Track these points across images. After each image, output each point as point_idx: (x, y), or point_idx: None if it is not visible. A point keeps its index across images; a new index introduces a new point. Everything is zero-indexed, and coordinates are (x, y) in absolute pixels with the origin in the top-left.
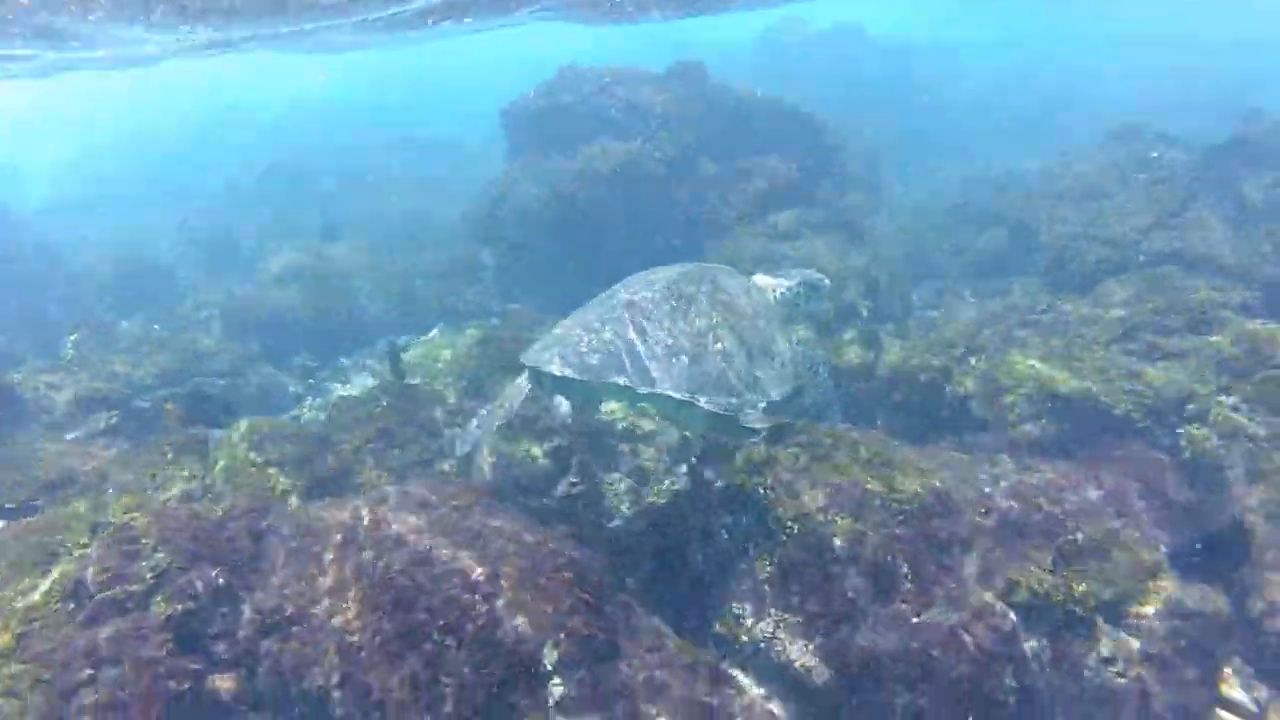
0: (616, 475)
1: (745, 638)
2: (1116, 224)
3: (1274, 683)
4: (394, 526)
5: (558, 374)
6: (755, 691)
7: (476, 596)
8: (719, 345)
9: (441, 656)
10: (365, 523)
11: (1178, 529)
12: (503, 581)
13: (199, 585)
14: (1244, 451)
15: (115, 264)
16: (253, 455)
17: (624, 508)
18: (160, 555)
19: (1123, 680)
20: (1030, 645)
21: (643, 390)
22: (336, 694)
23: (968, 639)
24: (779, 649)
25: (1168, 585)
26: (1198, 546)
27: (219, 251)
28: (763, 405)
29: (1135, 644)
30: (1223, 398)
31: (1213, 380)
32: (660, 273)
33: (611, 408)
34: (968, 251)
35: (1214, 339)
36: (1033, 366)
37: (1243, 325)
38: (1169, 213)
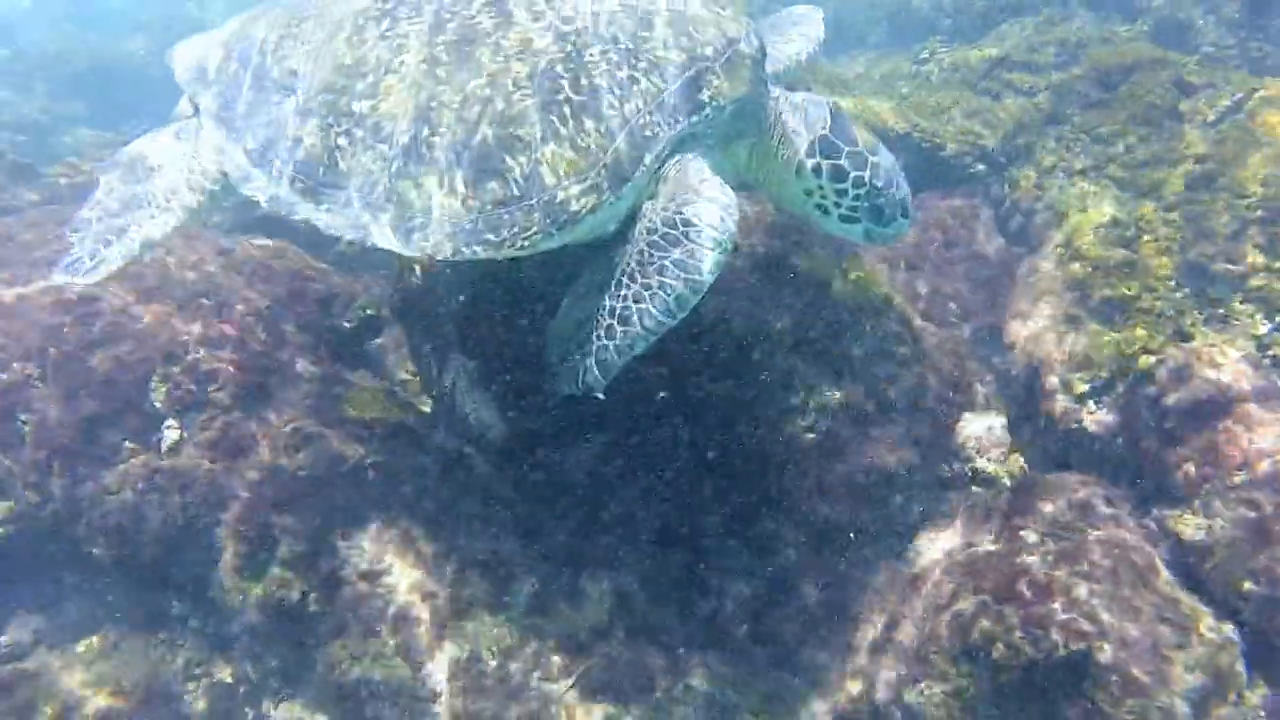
0: None
1: None
2: None
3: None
4: None
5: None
6: None
7: None
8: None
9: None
10: None
11: (969, 280)
12: None
13: None
14: (1059, 188)
15: None
16: None
17: None
18: None
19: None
20: None
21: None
22: None
23: None
24: None
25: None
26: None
27: None
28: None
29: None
30: (1050, 129)
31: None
32: None
33: None
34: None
35: (1074, 70)
36: (869, 105)
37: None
38: None
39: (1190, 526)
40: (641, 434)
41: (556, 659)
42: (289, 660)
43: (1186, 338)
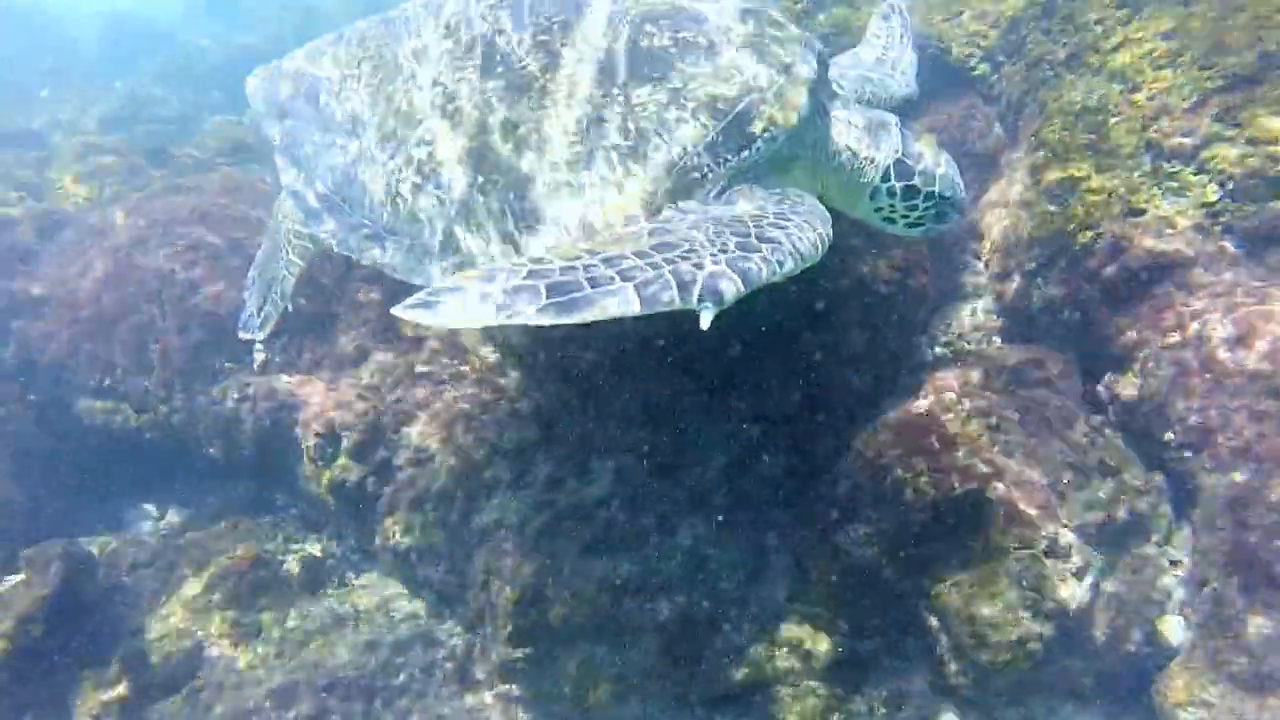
0: None
1: None
2: None
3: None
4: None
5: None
6: None
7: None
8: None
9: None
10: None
11: None
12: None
13: None
14: (1042, 80)
15: None
16: None
17: None
18: None
19: None
20: None
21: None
22: (70, 361)
23: None
24: None
25: None
26: None
27: None
28: None
29: None
30: (1042, 22)
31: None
32: None
33: None
34: None
35: None
36: None
37: None
38: None
39: (1129, 387)
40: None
41: (566, 524)
42: (362, 538)
43: (1138, 213)
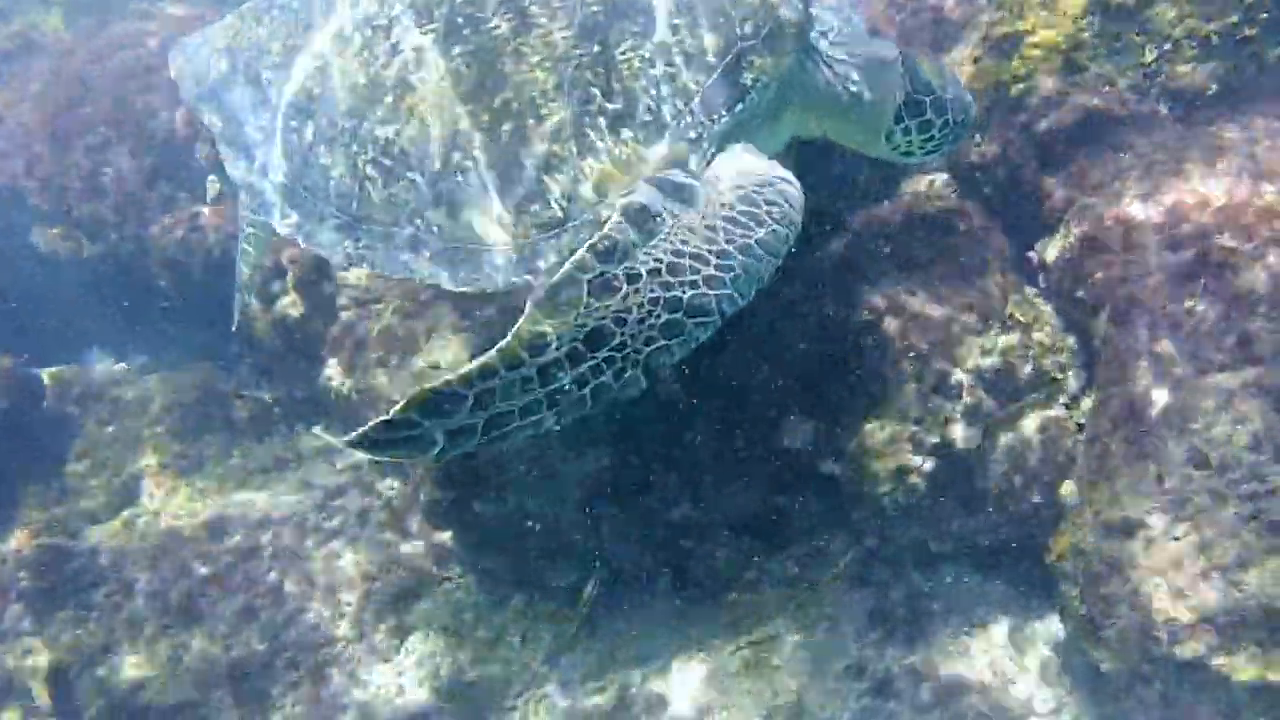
0: None
1: None
2: None
3: None
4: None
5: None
6: None
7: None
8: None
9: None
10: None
11: None
12: None
13: None
14: None
15: None
16: None
17: None
18: None
19: None
20: None
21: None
22: (25, 183)
23: None
24: None
25: None
26: None
27: None
28: None
29: None
30: None
31: None
32: None
33: None
34: None
35: None
36: None
37: None
38: None
39: (1053, 250)
40: None
41: None
42: (308, 381)
43: (1078, 69)
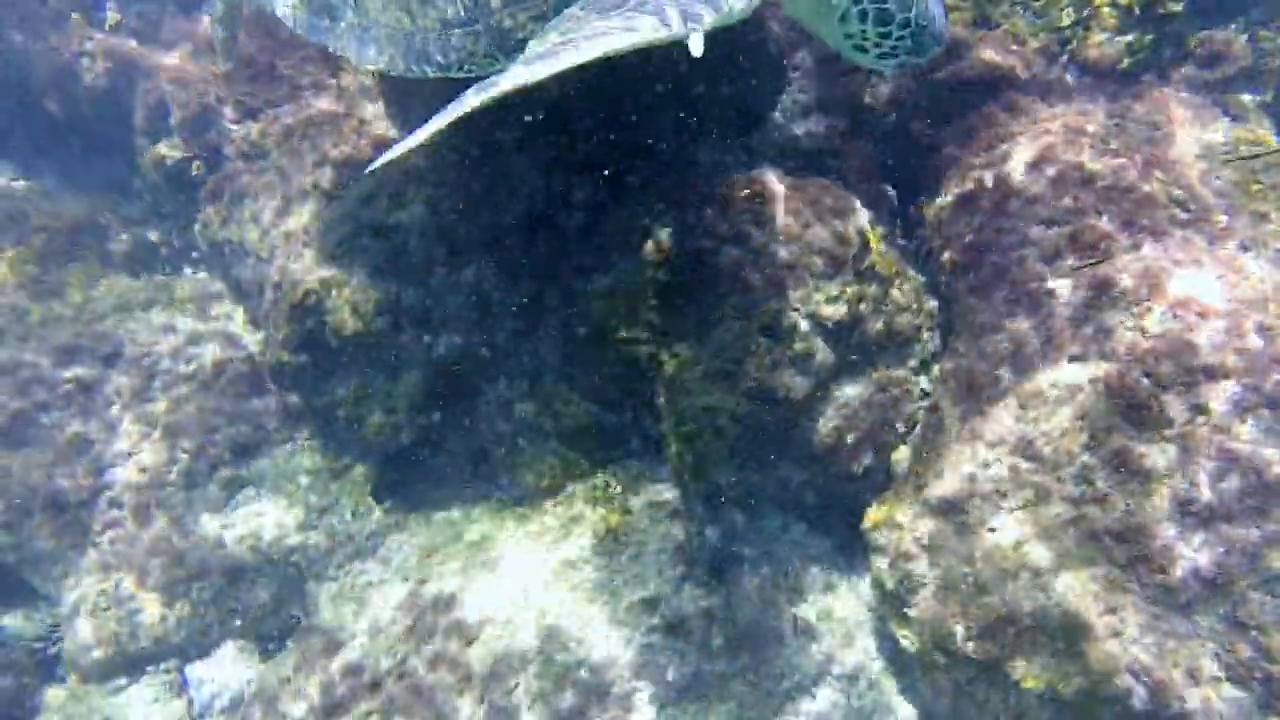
0: None
1: None
2: None
3: None
4: None
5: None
6: None
7: None
8: None
9: None
10: None
11: None
12: None
13: None
14: None
15: None
16: None
17: None
18: None
19: None
20: None
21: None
22: None
23: None
24: None
25: None
26: None
27: None
28: None
29: None
30: None
31: None
32: None
33: None
34: None
35: None
36: None
37: None
38: None
39: (933, 208)
40: None
41: (364, 239)
42: (189, 227)
43: (989, 24)
